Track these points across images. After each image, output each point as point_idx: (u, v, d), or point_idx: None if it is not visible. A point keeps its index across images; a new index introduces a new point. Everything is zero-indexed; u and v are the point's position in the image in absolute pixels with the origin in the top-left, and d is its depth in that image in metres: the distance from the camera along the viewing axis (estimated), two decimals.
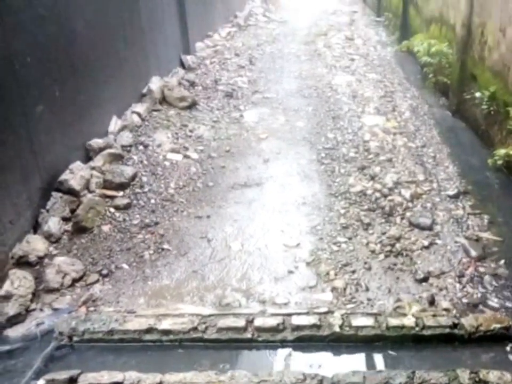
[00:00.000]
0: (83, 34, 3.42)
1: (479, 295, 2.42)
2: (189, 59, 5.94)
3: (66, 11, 3.18)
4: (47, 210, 2.85)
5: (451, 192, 3.34)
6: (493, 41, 3.87)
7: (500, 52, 3.74)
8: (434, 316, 2.24)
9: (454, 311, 2.29)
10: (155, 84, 4.70)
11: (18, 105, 2.65)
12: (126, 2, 4.23)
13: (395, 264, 2.66)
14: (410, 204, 3.20)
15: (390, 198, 3.26)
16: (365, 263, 2.68)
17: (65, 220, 2.92)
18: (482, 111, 3.99)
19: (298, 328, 2.19)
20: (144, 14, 4.63)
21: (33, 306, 2.37)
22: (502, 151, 3.40)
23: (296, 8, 12.84)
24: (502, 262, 2.65)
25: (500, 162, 3.45)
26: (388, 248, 2.79)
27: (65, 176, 3.02)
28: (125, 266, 2.68)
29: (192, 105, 4.77)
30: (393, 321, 2.21)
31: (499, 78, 3.75)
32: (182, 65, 5.88)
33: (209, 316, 2.27)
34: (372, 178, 3.54)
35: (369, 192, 3.35)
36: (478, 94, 3.99)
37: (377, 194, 3.31)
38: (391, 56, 7.03)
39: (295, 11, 12.13)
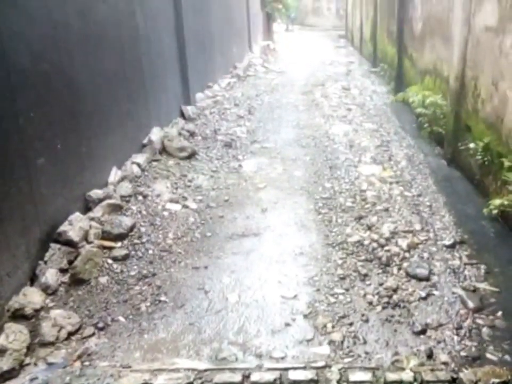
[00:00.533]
0: (86, 89, 3.53)
1: (477, 348, 2.40)
2: (189, 109, 6.08)
3: (70, 67, 3.30)
4: (45, 262, 2.86)
5: (447, 242, 3.36)
6: (486, 94, 3.99)
7: (492, 105, 3.85)
8: (432, 370, 2.21)
9: (453, 365, 2.27)
10: (155, 134, 4.80)
11: (21, 158, 2.71)
12: (129, 60, 4.37)
13: (392, 316, 2.65)
14: (407, 254, 3.21)
15: (387, 248, 3.28)
16: (363, 315, 2.67)
17: (63, 271, 2.92)
18: (477, 161, 4.06)
19: (295, 383, 2.16)
20: (147, 69, 4.78)
21: (27, 360, 2.34)
22: (497, 201, 3.44)
23: (295, 58, 13.23)
24: (500, 313, 2.64)
25: (495, 212, 3.48)
26: (385, 299, 2.78)
27: (64, 227, 3.04)
28: (122, 319, 2.67)
29: (192, 155, 4.85)
30: (392, 376, 2.18)
31: (492, 129, 3.84)
32: (183, 115, 6.02)
33: (205, 370, 2.24)
34: (369, 228, 3.57)
35: (366, 242, 3.37)
36: (472, 145, 4.08)
37: (374, 245, 3.33)
38: (387, 105, 7.20)
39: (293, 62, 12.49)
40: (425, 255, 3.22)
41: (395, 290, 2.86)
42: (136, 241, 3.38)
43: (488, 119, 3.94)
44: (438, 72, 5.51)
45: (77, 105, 3.37)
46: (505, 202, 3.39)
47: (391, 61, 8.76)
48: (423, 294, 2.81)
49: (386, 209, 3.86)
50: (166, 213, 3.78)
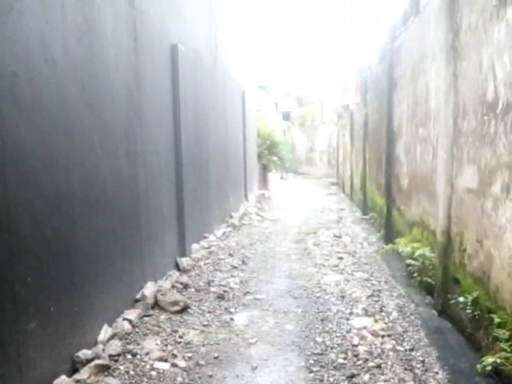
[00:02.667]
0: (84, 249, 3.69)
1: None
2: (184, 261, 6.22)
3: (71, 230, 3.49)
4: None
5: None
6: (472, 250, 4.15)
7: (479, 261, 3.99)
8: None
9: None
10: (149, 289, 4.87)
11: (12, 323, 2.75)
12: (128, 218, 4.60)
13: None
14: None
15: None
16: None
17: None
18: (467, 315, 4.08)
19: None
20: (145, 226, 5.02)
21: None
22: (489, 359, 3.40)
23: (289, 206, 13.75)
24: None
25: (488, 368, 3.42)
26: None
27: None
28: None
29: (184, 309, 4.86)
30: None
31: (480, 284, 3.93)
32: (177, 267, 6.14)
33: None
34: None
35: None
36: (461, 299, 4.12)
37: None
38: (377, 253, 7.36)
39: (287, 209, 12.96)
40: None
41: None
42: None
43: (475, 273, 4.04)
44: (425, 225, 5.75)
45: (73, 266, 3.50)
46: (498, 360, 3.35)
47: (380, 210, 9.15)
48: None
49: (379, 366, 3.78)
50: (154, 373, 3.70)
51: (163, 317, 4.72)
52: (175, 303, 4.87)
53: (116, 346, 3.88)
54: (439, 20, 4.93)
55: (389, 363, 3.83)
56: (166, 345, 4.17)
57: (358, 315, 4.89)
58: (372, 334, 4.39)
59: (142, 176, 5.00)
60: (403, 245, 5.98)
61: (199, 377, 3.70)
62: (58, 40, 3.39)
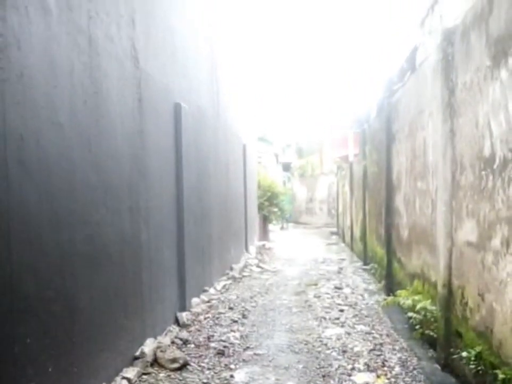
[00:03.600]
0: (85, 308, 3.67)
1: None
2: (184, 316, 6.14)
3: (73, 290, 3.48)
4: None
5: None
6: (473, 304, 4.11)
7: (481, 315, 3.94)
8: None
9: None
10: (148, 346, 4.79)
11: None
12: (130, 275, 4.60)
13: None
14: None
15: None
16: None
17: None
18: (471, 370, 3.99)
19: None
20: (146, 282, 5.01)
21: None
22: None
23: (289, 257, 13.68)
24: None
25: None
26: None
27: None
28: None
29: (183, 366, 4.77)
30: None
31: (483, 338, 3.87)
32: (177, 321, 6.06)
33: None
34: None
35: None
36: (464, 353, 4.04)
37: None
38: (378, 304, 7.27)
39: (287, 260, 12.89)
40: None
41: None
42: None
43: (478, 327, 3.99)
44: (426, 277, 5.71)
45: (73, 326, 3.48)
46: None
47: (380, 261, 9.10)
48: None
49: None
50: None
51: (162, 374, 4.63)
52: (174, 360, 4.78)
53: None
54: (435, 78, 5.08)
55: None
56: None
57: (360, 370, 4.79)
58: None
59: (145, 232, 5.03)
60: (404, 297, 5.92)
61: None
62: (65, 103, 3.50)
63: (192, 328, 6.09)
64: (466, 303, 4.29)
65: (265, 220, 16.20)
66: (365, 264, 11.08)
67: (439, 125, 4.91)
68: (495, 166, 3.69)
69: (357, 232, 13.58)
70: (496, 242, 3.66)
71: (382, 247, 8.91)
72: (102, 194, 4.06)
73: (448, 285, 4.71)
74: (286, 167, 30.42)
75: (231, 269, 9.98)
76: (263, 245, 14.28)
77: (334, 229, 22.11)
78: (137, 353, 4.62)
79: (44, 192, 3.19)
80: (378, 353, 5.26)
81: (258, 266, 11.31)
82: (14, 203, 2.87)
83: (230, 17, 10.54)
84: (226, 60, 9.97)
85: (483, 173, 3.92)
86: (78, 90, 3.70)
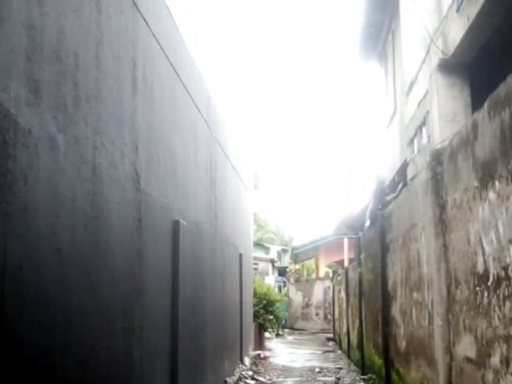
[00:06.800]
0: None
1: None
2: None
3: None
4: None
5: None
6: None
7: None
8: None
9: None
10: None
11: None
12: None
13: None
14: None
15: None
16: None
17: None
18: None
19: None
20: None
21: None
22: None
23: (285, 367, 13.08)
24: None
25: None
26: None
27: None
28: None
29: None
30: None
31: None
32: None
33: None
34: None
35: None
36: None
37: None
38: None
39: (283, 371, 12.32)
40: None
41: None
42: None
43: None
44: None
45: None
46: None
47: (379, 371, 8.68)
48: None
49: None
50: None
51: None
52: None
53: None
54: (425, 194, 5.15)
55: None
56: None
57: None
58: None
59: (138, 352, 4.80)
60: None
61: None
62: (66, 230, 3.51)
63: None
64: None
65: (260, 328, 15.64)
66: (363, 373, 10.55)
67: (431, 239, 4.90)
68: (489, 283, 3.62)
69: (354, 339, 13.08)
70: (495, 360, 3.48)
71: (380, 357, 8.52)
72: (96, 318, 3.92)
73: None
74: (282, 272, 30.08)
75: (225, 382, 9.44)
76: (258, 355, 13.65)
77: (331, 335, 21.35)
78: None
79: (39, 320, 3.07)
80: None
81: (253, 378, 10.71)
82: (8, 333, 2.75)
83: (228, 142, 10.99)
84: (224, 177, 10.24)
85: (478, 288, 3.84)
86: (80, 216, 3.73)
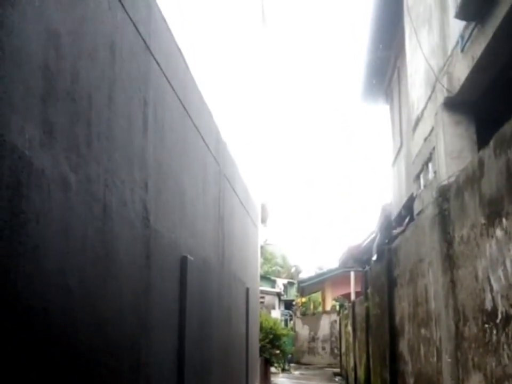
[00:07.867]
0: None
1: None
2: None
3: None
4: None
5: None
6: None
7: None
8: None
9: None
10: None
11: None
12: None
13: None
14: None
15: None
16: None
17: None
18: None
19: None
20: None
21: None
22: None
23: None
24: None
25: None
26: None
27: None
28: None
29: None
30: None
31: None
32: None
33: None
34: None
35: None
36: None
37: None
38: None
39: None
40: None
41: None
42: None
43: None
44: None
45: None
46: None
47: None
48: None
49: None
50: None
51: None
52: None
53: None
54: (432, 230, 5.12)
55: None
56: None
57: None
58: None
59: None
60: None
61: None
62: (75, 267, 3.50)
63: None
64: None
65: (266, 363, 15.29)
66: None
67: (439, 275, 4.84)
68: (497, 321, 3.55)
69: (361, 375, 12.76)
70: None
71: None
72: (104, 356, 3.86)
73: None
74: (288, 305, 29.66)
75: None
76: None
77: (337, 370, 20.86)
78: None
79: (44, 365, 3.03)
80: None
81: None
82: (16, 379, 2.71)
83: (236, 177, 11.05)
84: (232, 213, 10.24)
85: (486, 326, 3.77)
86: (89, 254, 3.72)
